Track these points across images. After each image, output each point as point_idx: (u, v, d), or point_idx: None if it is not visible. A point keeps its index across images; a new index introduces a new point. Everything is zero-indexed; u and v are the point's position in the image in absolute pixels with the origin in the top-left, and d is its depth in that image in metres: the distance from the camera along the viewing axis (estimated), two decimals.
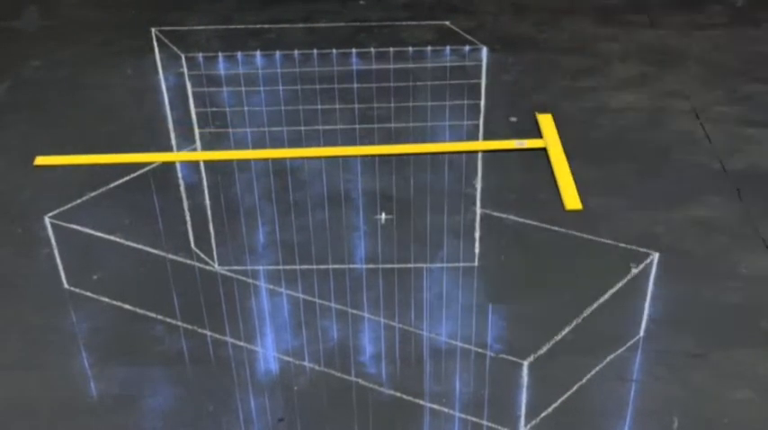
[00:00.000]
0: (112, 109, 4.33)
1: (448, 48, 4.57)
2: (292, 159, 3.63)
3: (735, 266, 3.27)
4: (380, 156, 3.77)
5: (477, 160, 3.78)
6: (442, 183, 3.74)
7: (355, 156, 3.78)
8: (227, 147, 3.95)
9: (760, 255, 3.33)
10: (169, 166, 3.85)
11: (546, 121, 4.03)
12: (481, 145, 3.88)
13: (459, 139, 3.95)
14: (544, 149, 3.87)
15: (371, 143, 3.95)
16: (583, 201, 3.60)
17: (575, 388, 2.78)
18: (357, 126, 4.06)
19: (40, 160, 3.82)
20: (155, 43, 4.74)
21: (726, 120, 4.10)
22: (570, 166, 3.79)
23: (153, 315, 3.07)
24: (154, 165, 3.85)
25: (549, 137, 3.94)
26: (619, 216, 3.53)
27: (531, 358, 2.86)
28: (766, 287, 3.19)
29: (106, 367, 2.88)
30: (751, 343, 2.96)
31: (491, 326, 3.00)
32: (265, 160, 3.66)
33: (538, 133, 3.97)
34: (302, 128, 4.06)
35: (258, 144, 3.96)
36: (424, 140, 3.96)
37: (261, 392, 2.78)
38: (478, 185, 3.69)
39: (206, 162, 3.60)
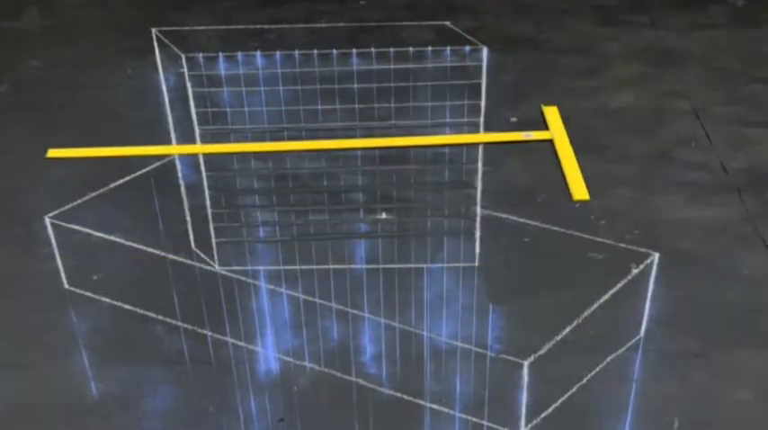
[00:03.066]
0: (113, 109, 4.33)
1: (448, 48, 4.57)
2: (291, 152, 3.61)
3: (735, 266, 3.27)
4: (382, 148, 3.75)
5: (481, 152, 3.80)
6: (443, 178, 3.75)
7: (355, 149, 3.79)
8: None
9: (760, 255, 3.33)
10: (169, 166, 3.85)
11: (552, 114, 4.03)
12: (487, 137, 3.89)
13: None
14: (550, 141, 3.91)
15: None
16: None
17: (575, 388, 2.78)
18: (357, 123, 4.06)
19: (53, 152, 3.90)
20: (155, 43, 4.74)
21: (726, 121, 4.10)
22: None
23: (153, 315, 3.07)
24: (154, 166, 3.85)
25: (555, 129, 3.96)
26: (619, 216, 3.53)
27: (531, 358, 2.86)
28: (766, 287, 3.19)
29: (106, 367, 2.88)
30: (751, 343, 2.96)
31: (491, 326, 3.00)
32: (266, 152, 3.66)
33: (543, 127, 4.01)
34: (302, 124, 4.06)
35: (258, 140, 3.96)
36: (425, 136, 3.96)
37: (261, 392, 2.78)
38: (479, 186, 3.69)
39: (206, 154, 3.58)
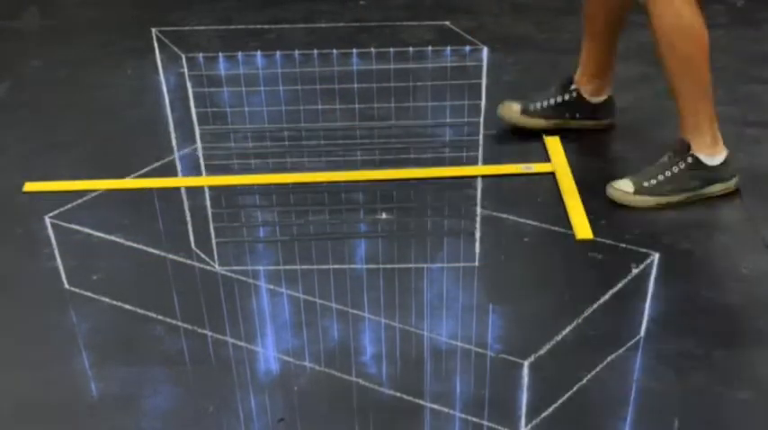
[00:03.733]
0: (113, 109, 4.33)
1: (448, 48, 4.57)
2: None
3: (735, 266, 3.27)
4: (374, 181, 3.69)
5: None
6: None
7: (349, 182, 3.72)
8: (228, 148, 3.95)
9: (760, 255, 3.33)
10: (169, 166, 3.85)
11: (553, 145, 3.89)
12: (484, 169, 3.74)
13: (460, 135, 3.95)
14: (552, 174, 3.74)
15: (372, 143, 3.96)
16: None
17: (575, 388, 2.78)
18: (357, 123, 4.07)
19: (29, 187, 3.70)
20: (155, 43, 4.74)
21: (726, 120, 4.09)
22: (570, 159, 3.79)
23: (153, 315, 3.07)
24: (154, 165, 3.85)
25: (558, 161, 3.80)
26: (619, 216, 3.53)
27: (532, 358, 2.86)
28: (766, 287, 3.19)
29: (106, 367, 2.88)
30: (751, 343, 2.96)
31: (491, 326, 3.00)
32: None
33: (544, 154, 3.88)
34: (302, 124, 4.06)
35: (258, 141, 3.96)
36: (424, 137, 3.96)
37: (261, 392, 2.78)
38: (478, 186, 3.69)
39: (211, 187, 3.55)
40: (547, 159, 3.84)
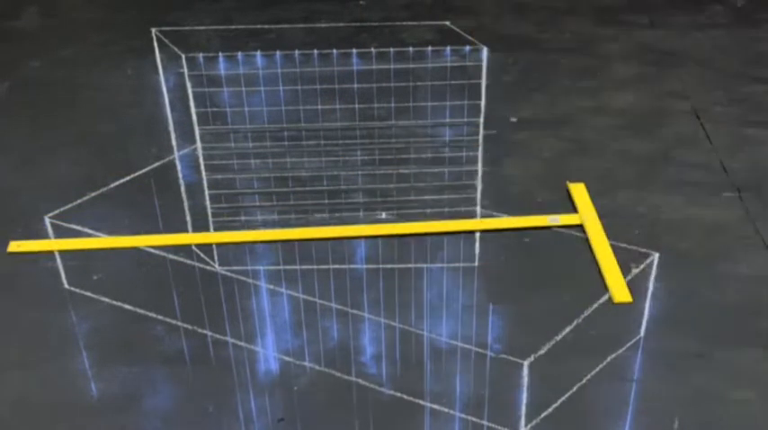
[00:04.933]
0: (112, 109, 4.33)
1: (448, 48, 4.57)
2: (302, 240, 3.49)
3: (735, 266, 3.27)
4: (392, 236, 3.45)
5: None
6: (444, 179, 3.75)
7: (367, 237, 3.46)
8: (228, 147, 3.95)
9: (760, 255, 3.33)
10: (169, 166, 3.85)
11: (579, 192, 3.64)
12: (508, 222, 3.51)
13: (460, 136, 3.95)
14: (580, 226, 3.48)
15: (372, 146, 3.96)
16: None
17: (575, 388, 2.78)
18: (357, 123, 4.06)
19: (14, 246, 3.40)
20: (155, 43, 4.74)
21: (726, 121, 4.10)
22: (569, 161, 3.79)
23: (153, 315, 3.07)
24: (154, 165, 3.85)
25: (585, 211, 3.53)
26: (619, 216, 3.53)
27: (531, 358, 2.86)
28: (766, 287, 3.19)
29: (106, 367, 2.88)
30: (751, 343, 2.96)
31: (491, 326, 3.00)
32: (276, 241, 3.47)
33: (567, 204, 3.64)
34: (302, 124, 4.06)
35: (258, 141, 3.96)
36: (424, 136, 3.96)
37: (261, 392, 2.78)
38: (479, 186, 3.69)
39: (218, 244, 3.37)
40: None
